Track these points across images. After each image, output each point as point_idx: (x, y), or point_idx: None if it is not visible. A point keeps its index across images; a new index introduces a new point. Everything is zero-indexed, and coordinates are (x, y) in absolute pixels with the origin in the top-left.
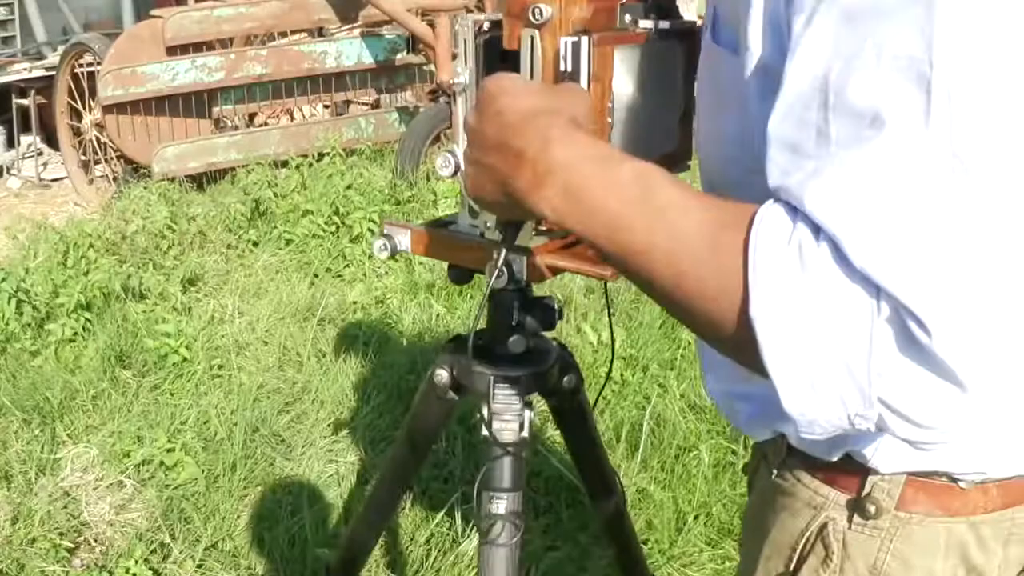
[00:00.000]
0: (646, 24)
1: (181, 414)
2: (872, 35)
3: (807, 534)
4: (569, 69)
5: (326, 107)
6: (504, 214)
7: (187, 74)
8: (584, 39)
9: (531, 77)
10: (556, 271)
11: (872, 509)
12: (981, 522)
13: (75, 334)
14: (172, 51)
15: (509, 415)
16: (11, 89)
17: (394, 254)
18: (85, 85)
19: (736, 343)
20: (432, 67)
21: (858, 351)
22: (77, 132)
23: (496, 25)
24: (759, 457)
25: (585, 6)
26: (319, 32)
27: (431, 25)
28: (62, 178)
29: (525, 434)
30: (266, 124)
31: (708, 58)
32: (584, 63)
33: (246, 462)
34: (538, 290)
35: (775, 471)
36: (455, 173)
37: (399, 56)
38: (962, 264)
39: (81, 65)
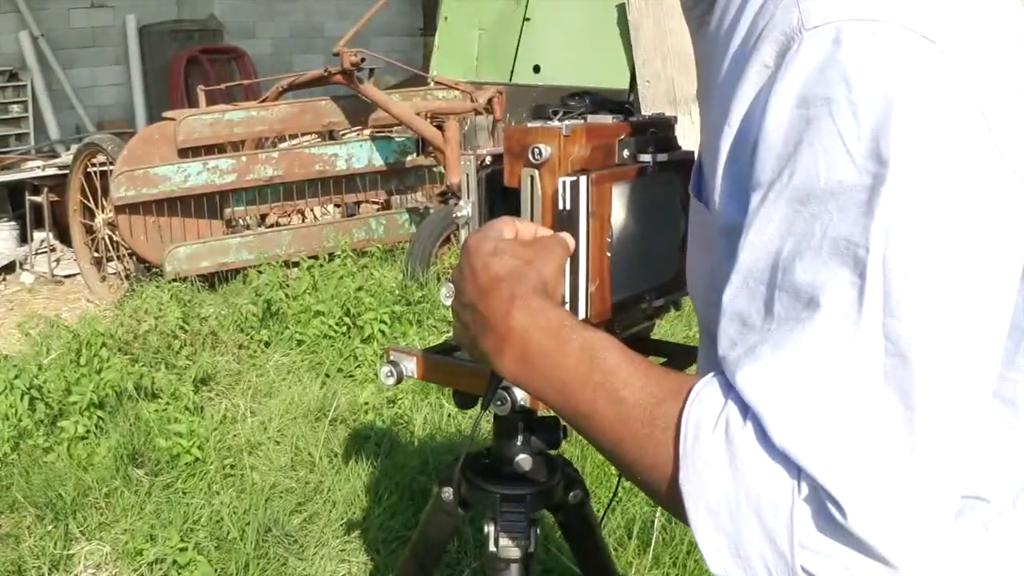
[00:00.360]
0: (645, 158)
1: (194, 513)
2: (820, 217)
3: None
4: (568, 207)
5: (337, 207)
6: (481, 363)
7: (199, 176)
8: (582, 178)
9: (531, 215)
10: None
11: None
12: None
13: (88, 432)
14: (184, 153)
15: (515, 532)
16: (25, 186)
17: (400, 380)
18: (98, 184)
19: (669, 504)
20: (442, 169)
21: (780, 525)
22: (90, 230)
23: (498, 159)
24: None
25: (584, 145)
26: (330, 135)
27: (440, 128)
28: (75, 275)
29: (531, 550)
30: (277, 224)
31: (691, 208)
32: (583, 202)
33: (259, 562)
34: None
35: None
36: None
37: (409, 158)
38: (880, 447)
39: (94, 164)
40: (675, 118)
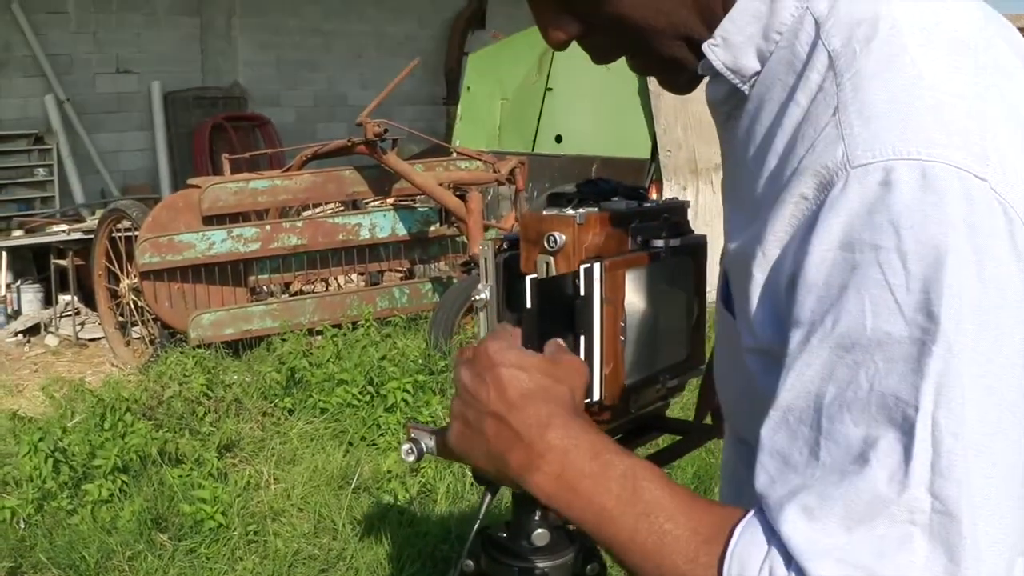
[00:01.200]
0: (658, 243)
1: None
2: (865, 366)
3: None
4: (583, 294)
5: (361, 276)
6: (489, 476)
7: (223, 244)
8: (596, 265)
9: None
10: None
11: None
12: None
13: (112, 495)
14: (209, 220)
15: None
16: (50, 249)
17: (420, 457)
18: (123, 249)
19: None
20: (464, 239)
21: None
22: (114, 295)
23: (515, 244)
24: None
25: (598, 232)
26: (353, 204)
27: (462, 198)
28: (99, 338)
29: None
30: (301, 292)
31: (719, 315)
32: (596, 288)
33: None
34: None
35: None
36: None
37: (432, 228)
38: None
39: (119, 230)
40: (688, 203)
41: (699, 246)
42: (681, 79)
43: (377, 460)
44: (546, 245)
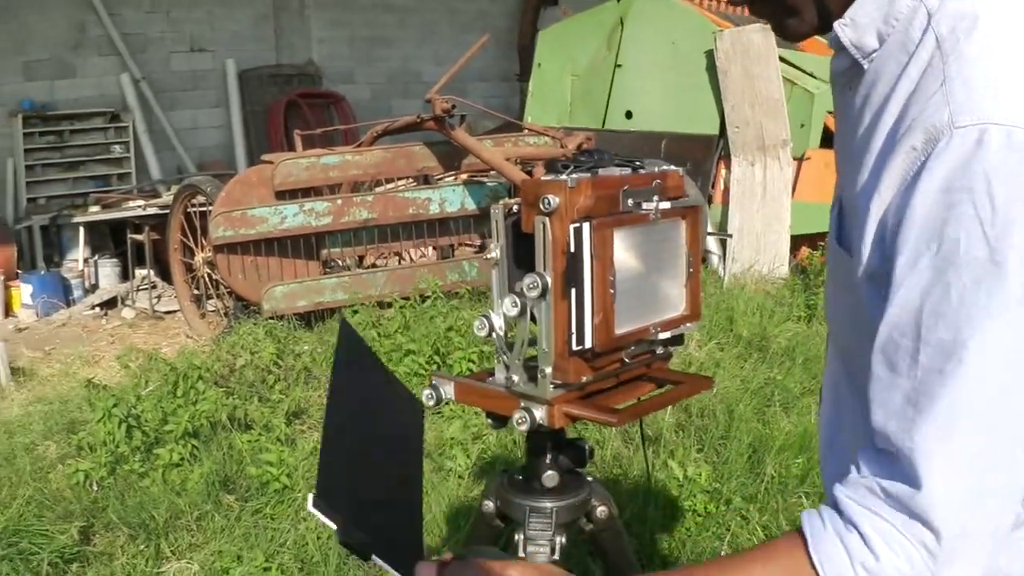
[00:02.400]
0: (648, 206)
1: (280, 537)
2: (956, 285)
3: None
4: (573, 250)
5: (434, 250)
6: None
7: (295, 218)
8: (586, 225)
9: (543, 257)
10: (572, 417)
11: None
12: None
13: (182, 459)
14: (281, 195)
15: (542, 540)
16: (127, 224)
17: (439, 402)
18: (197, 224)
19: None
20: None
21: None
22: (189, 268)
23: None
24: None
25: (589, 195)
26: (425, 179)
27: (530, 173)
28: (174, 311)
29: (556, 557)
30: (375, 266)
31: (831, 252)
32: (586, 245)
33: None
34: (571, 432)
35: None
36: (489, 334)
37: (501, 202)
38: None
39: (194, 205)
40: (682, 170)
41: (691, 209)
42: (793, 30)
43: (441, 427)
44: (541, 206)
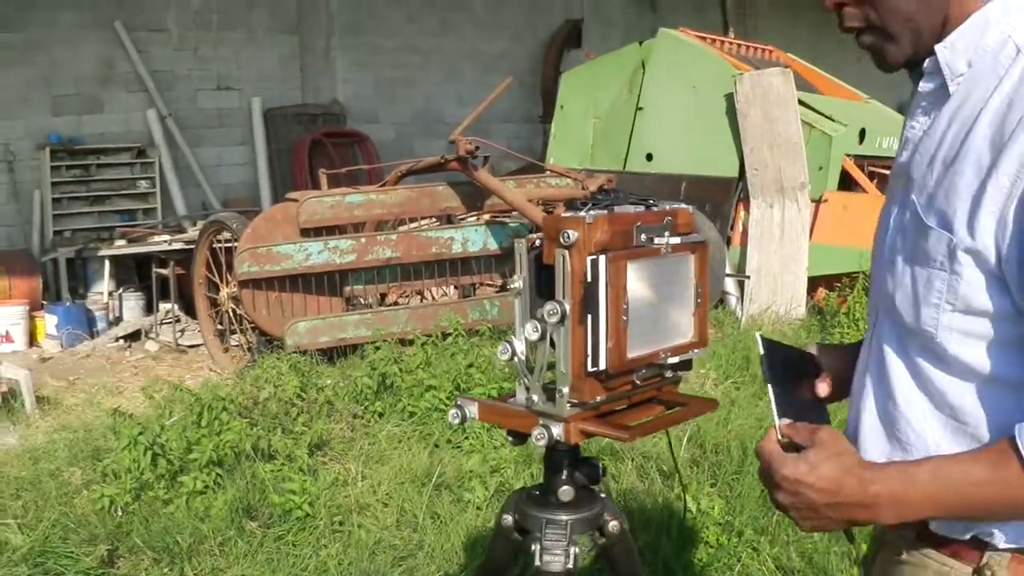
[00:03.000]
0: (659, 241)
1: (302, 563)
2: None
3: None
4: (590, 280)
5: (456, 289)
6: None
7: (320, 255)
8: (602, 257)
9: (563, 287)
10: (587, 434)
11: (988, 573)
12: None
13: (206, 487)
14: (306, 232)
15: (557, 550)
16: (152, 259)
17: (464, 420)
18: (222, 259)
19: None
20: None
21: None
22: (214, 303)
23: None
24: (877, 547)
25: (605, 229)
26: (448, 219)
27: (550, 214)
28: (198, 345)
29: (570, 567)
30: (396, 304)
31: (909, 232)
32: (602, 275)
33: None
34: (586, 451)
35: (904, 553)
36: (511, 358)
37: (525, 237)
38: None
39: (219, 240)
40: (693, 208)
41: (700, 244)
42: (891, 56)
43: (460, 461)
44: (561, 240)
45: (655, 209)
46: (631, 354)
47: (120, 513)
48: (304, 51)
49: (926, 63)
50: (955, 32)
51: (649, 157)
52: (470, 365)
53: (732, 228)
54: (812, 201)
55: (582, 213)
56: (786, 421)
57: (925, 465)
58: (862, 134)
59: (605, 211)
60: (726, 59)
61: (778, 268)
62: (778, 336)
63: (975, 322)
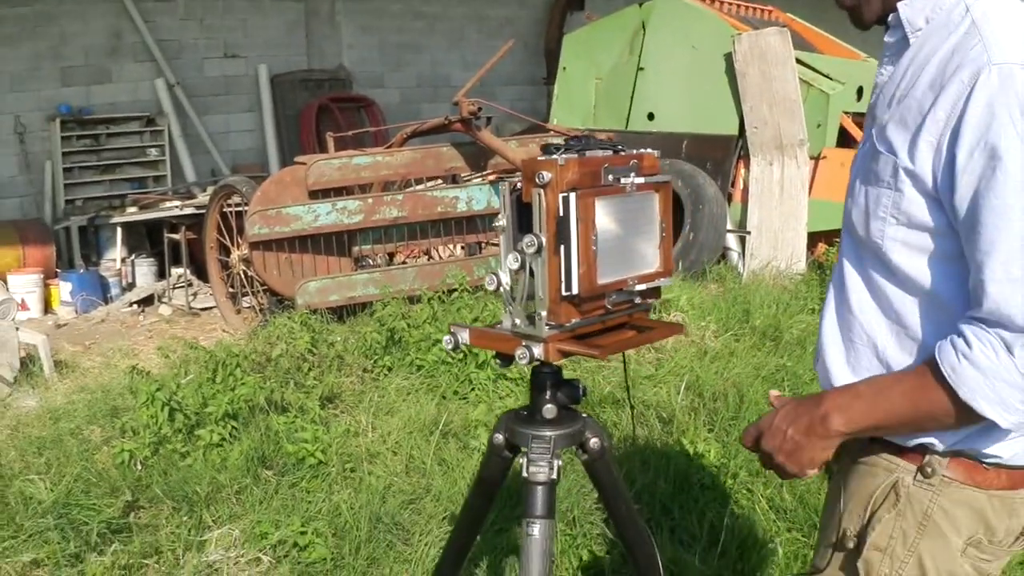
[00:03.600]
0: (626, 180)
1: (315, 507)
2: (999, 165)
3: (883, 486)
4: (562, 214)
5: (462, 248)
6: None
7: (328, 216)
8: (572, 194)
9: (540, 221)
10: (563, 352)
11: (929, 471)
12: (994, 495)
13: (222, 439)
14: (314, 194)
15: (542, 462)
16: (163, 224)
17: (457, 347)
18: (233, 223)
19: (956, 418)
20: None
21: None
22: (225, 266)
23: None
24: (840, 456)
25: (575, 171)
26: (453, 179)
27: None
28: (210, 307)
29: (554, 477)
30: (405, 263)
31: (865, 158)
32: (572, 210)
33: (369, 545)
34: (568, 374)
35: (860, 455)
36: (498, 288)
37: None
38: None
39: (229, 205)
40: (658, 153)
41: (664, 184)
42: (866, 16)
43: (466, 410)
44: (536, 180)
45: (622, 153)
46: (601, 280)
47: (139, 467)
48: (309, 17)
49: (890, 17)
50: None
51: (651, 116)
52: (475, 319)
53: (733, 185)
54: (811, 158)
55: (555, 156)
56: (775, 392)
57: (866, 381)
58: (860, 92)
59: (576, 155)
60: (725, 19)
61: (778, 224)
62: (779, 290)
63: (916, 235)
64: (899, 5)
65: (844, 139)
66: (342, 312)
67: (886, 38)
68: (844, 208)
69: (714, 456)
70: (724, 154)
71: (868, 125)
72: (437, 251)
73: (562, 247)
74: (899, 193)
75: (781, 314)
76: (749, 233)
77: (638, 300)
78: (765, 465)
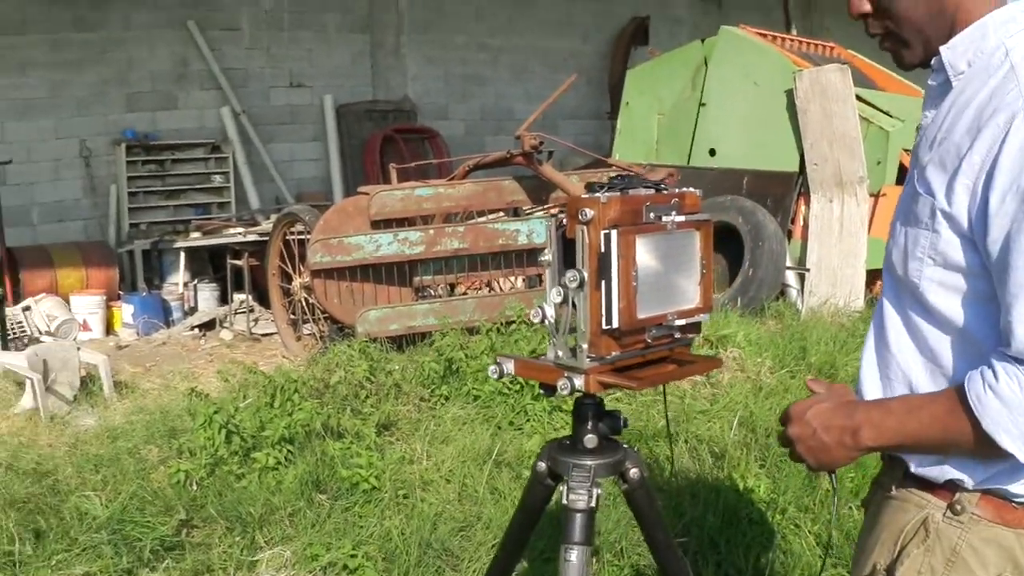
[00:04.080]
0: (667, 218)
1: (366, 531)
2: None
3: (913, 522)
4: (604, 250)
5: (523, 280)
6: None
7: (390, 246)
8: (614, 231)
9: (583, 256)
10: (604, 384)
11: (958, 508)
12: (1023, 534)
13: (278, 463)
14: (376, 224)
15: (581, 490)
16: (226, 250)
17: (502, 376)
18: (295, 250)
19: (978, 447)
20: None
21: None
22: (287, 293)
23: None
24: (875, 490)
25: (618, 208)
26: (513, 212)
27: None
28: (271, 333)
29: (593, 505)
30: (465, 294)
31: (907, 200)
32: (614, 247)
33: (419, 570)
34: (610, 405)
35: (893, 490)
36: (542, 320)
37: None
38: None
39: (292, 232)
40: (700, 193)
41: (704, 222)
42: (907, 59)
43: (521, 441)
44: (579, 217)
45: (664, 192)
46: (641, 315)
47: (195, 487)
48: (375, 48)
49: (933, 61)
50: (958, 36)
51: (712, 152)
52: (532, 351)
53: (793, 222)
54: (870, 195)
55: (598, 194)
56: (810, 377)
57: (898, 399)
58: (919, 129)
59: (619, 193)
60: (786, 56)
61: (837, 261)
62: (836, 328)
63: (951, 276)
64: (942, 49)
65: (903, 177)
66: (401, 341)
67: (929, 81)
68: (886, 248)
69: (764, 491)
70: (784, 190)
71: (912, 167)
72: (497, 283)
73: (603, 282)
74: (936, 234)
75: (838, 351)
76: (808, 270)
77: (678, 335)
78: (783, 445)
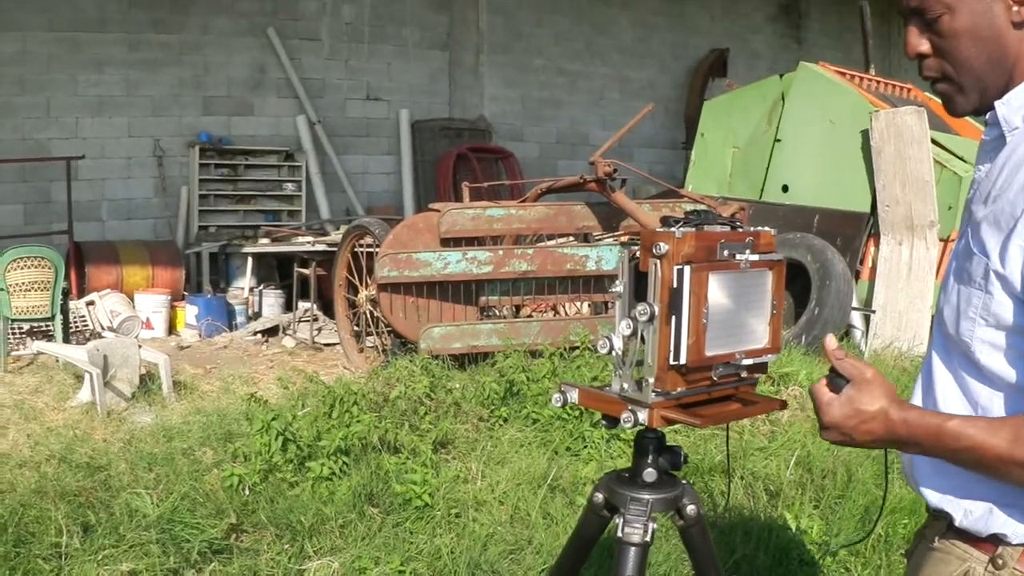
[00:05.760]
0: (741, 257)
1: (416, 548)
2: None
3: (955, 574)
4: (676, 286)
5: (589, 306)
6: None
7: (458, 264)
8: (687, 267)
9: (655, 290)
10: (667, 420)
11: (1000, 563)
12: None
13: (332, 474)
14: (446, 242)
15: (637, 524)
16: (294, 258)
17: (565, 404)
18: (363, 263)
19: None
20: None
21: None
22: (352, 304)
23: None
24: (919, 540)
25: (692, 244)
26: (583, 237)
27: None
28: (334, 344)
29: (648, 539)
30: (530, 316)
31: (962, 257)
32: (686, 283)
33: None
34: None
35: (936, 541)
36: (610, 351)
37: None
38: None
39: (361, 245)
40: (775, 232)
41: (778, 263)
42: (960, 106)
43: (577, 467)
44: (653, 251)
45: (740, 230)
46: (709, 352)
47: (247, 492)
48: (453, 66)
49: (988, 115)
50: (1013, 91)
51: (785, 188)
52: (595, 378)
53: (861, 263)
54: (940, 240)
55: (673, 229)
56: (833, 344)
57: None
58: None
59: (694, 228)
60: (863, 95)
61: (904, 305)
62: (898, 372)
63: (1004, 336)
64: (996, 104)
65: None
66: (463, 360)
67: (983, 135)
68: (937, 303)
69: (816, 532)
70: (855, 231)
71: (964, 221)
72: (563, 307)
73: (674, 317)
74: (989, 295)
75: (899, 395)
76: (874, 312)
77: (744, 374)
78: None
